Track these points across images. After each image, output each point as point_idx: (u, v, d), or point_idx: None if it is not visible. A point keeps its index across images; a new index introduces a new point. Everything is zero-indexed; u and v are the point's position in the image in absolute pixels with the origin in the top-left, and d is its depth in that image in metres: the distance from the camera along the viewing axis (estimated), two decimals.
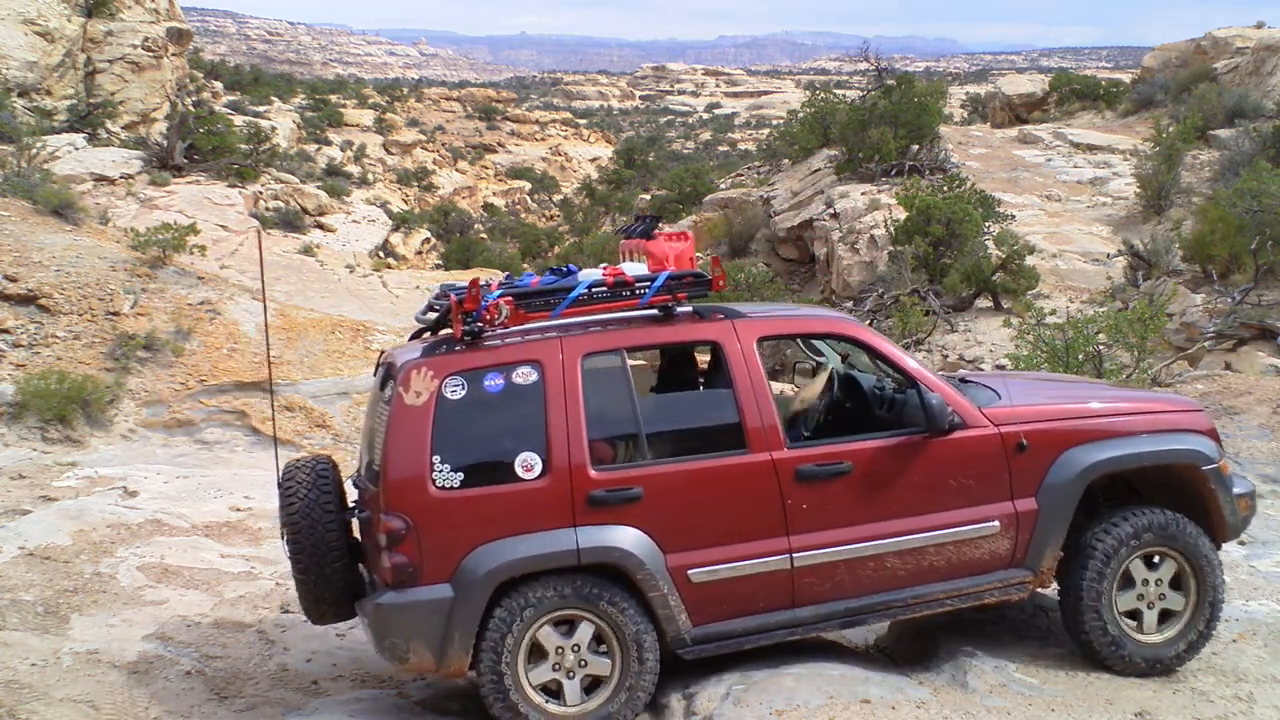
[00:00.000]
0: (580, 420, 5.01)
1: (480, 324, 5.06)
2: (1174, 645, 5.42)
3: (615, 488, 4.99)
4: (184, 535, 7.92)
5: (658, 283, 5.31)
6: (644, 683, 5.03)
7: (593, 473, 4.98)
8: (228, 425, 11.77)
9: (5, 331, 11.84)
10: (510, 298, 5.13)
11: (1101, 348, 11.53)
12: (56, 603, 6.59)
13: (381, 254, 40.32)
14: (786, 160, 33.08)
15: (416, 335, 5.68)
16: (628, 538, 4.96)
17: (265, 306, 6.20)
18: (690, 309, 5.48)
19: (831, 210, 25.41)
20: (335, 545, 5.33)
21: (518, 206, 75.51)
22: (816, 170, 29.18)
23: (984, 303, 19.08)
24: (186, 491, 8.98)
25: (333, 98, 76.82)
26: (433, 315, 5.48)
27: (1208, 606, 5.46)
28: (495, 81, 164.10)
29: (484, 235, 53.37)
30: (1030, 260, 18.98)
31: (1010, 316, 17.18)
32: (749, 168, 38.99)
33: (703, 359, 6.00)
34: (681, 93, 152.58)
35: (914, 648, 5.87)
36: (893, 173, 25.93)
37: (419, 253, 46.77)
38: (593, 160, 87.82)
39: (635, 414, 5.15)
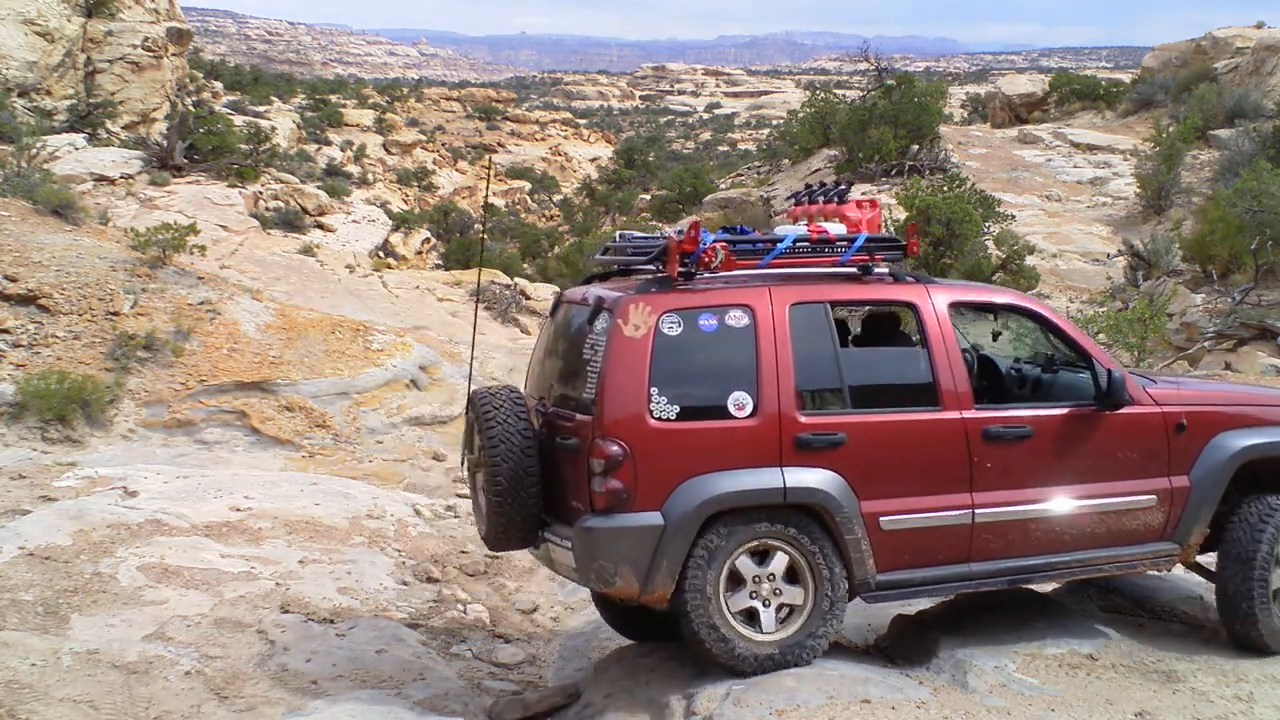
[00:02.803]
0: (789, 365, 5.21)
1: (695, 267, 5.25)
2: None
3: (821, 432, 5.20)
4: (184, 535, 7.90)
5: (857, 243, 5.55)
6: (834, 619, 5.21)
7: (800, 417, 5.18)
8: (228, 425, 11.77)
9: (5, 331, 11.83)
10: (726, 243, 5.34)
11: (1101, 347, 11.52)
12: (56, 603, 6.59)
13: (381, 254, 40.28)
14: (786, 160, 33.13)
15: (588, 280, 5.89)
16: (829, 481, 5.17)
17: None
18: (886, 271, 5.71)
19: None
20: (532, 470, 5.43)
21: (518, 206, 75.47)
22: (816, 170, 29.19)
23: None
24: (186, 491, 8.95)
25: (333, 98, 76.84)
26: (610, 258, 5.71)
27: None
28: (495, 81, 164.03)
29: (484, 235, 53.32)
30: (1030, 260, 19.02)
31: None
32: (749, 168, 39.04)
33: (850, 326, 6.22)
34: (681, 93, 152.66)
35: (914, 648, 5.86)
36: (893, 173, 25.95)
37: (419, 253, 46.73)
38: (593, 160, 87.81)
39: (838, 364, 5.37)
